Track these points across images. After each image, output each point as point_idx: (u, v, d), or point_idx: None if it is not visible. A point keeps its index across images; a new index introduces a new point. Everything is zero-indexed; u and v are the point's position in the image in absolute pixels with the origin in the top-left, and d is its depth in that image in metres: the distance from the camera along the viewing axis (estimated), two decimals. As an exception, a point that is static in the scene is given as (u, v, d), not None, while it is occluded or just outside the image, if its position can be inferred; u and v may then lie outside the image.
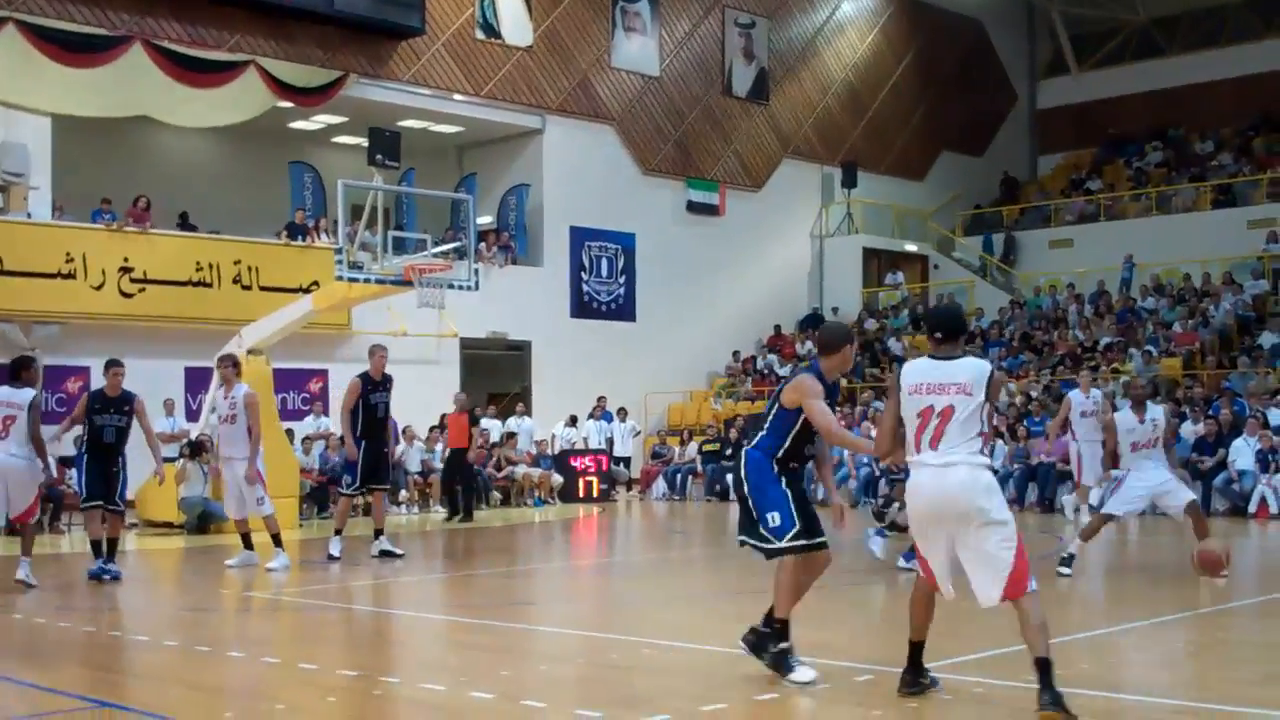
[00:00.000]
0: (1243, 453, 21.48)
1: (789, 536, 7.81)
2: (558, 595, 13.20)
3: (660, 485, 28.61)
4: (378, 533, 15.65)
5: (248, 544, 14.79)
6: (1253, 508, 21.07)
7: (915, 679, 7.32)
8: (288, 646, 9.87)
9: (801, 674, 7.71)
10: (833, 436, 7.93)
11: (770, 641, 7.94)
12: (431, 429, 24.69)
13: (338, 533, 15.53)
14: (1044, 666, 6.71)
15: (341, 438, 16.30)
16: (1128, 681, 7.72)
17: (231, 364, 15.19)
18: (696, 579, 13.35)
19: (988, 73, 41.43)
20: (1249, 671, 8.35)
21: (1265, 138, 37.43)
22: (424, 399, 24.76)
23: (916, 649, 7.30)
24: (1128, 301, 31.43)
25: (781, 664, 7.80)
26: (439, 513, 23.50)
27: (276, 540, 14.65)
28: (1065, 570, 12.58)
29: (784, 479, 7.94)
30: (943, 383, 7.08)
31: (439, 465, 24.13)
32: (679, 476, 28.35)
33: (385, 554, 15.41)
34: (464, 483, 22.68)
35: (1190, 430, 22.28)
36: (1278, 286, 30.56)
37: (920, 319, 33.97)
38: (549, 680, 8.46)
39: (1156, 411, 13.03)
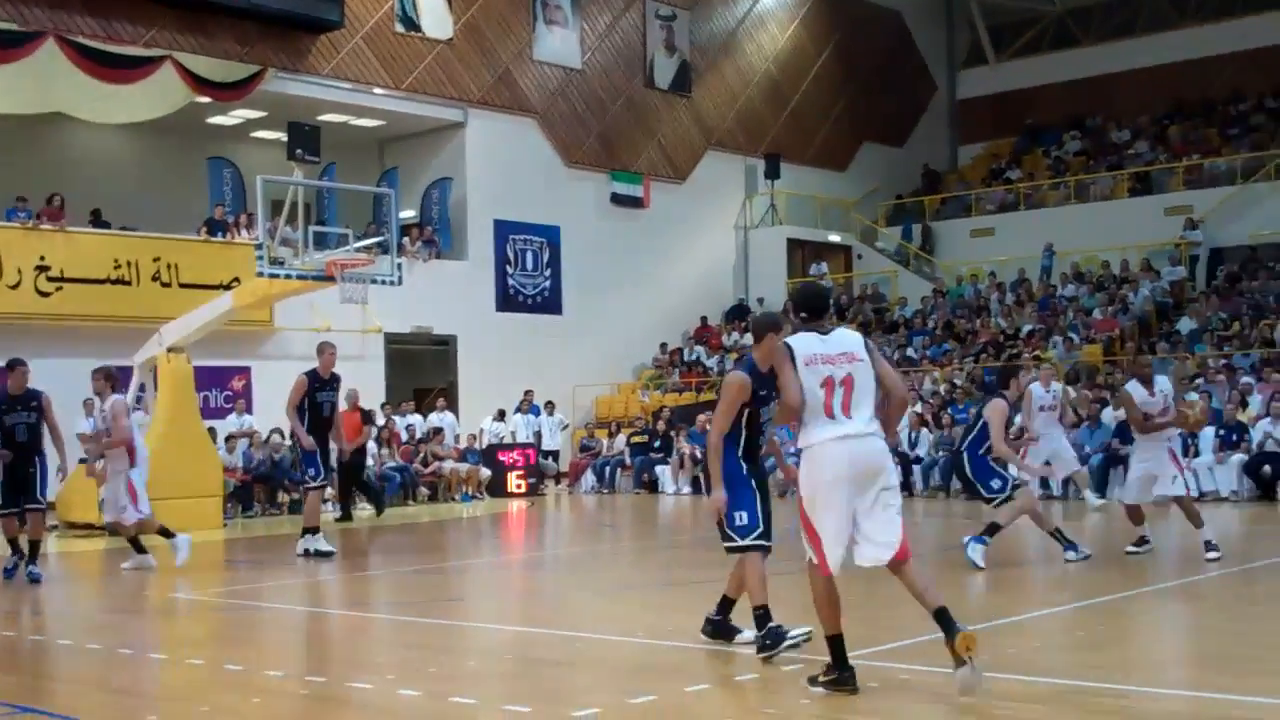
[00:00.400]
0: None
1: (753, 536, 8.30)
2: (486, 591, 13.15)
3: (589, 478, 28.58)
4: (312, 530, 15.33)
5: (138, 547, 14.57)
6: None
7: (841, 673, 7.28)
8: (212, 647, 9.76)
9: (798, 632, 8.19)
10: (711, 452, 8.25)
11: (727, 630, 8.65)
12: None
13: (314, 531, 15.24)
14: (943, 613, 7.06)
15: (269, 436, 16.13)
16: (1052, 665, 7.80)
17: (103, 376, 14.81)
18: (626, 572, 13.34)
19: (907, 64, 41.72)
20: (1170, 653, 8.47)
21: (1180, 126, 37.98)
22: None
23: (837, 641, 7.32)
24: (1048, 289, 31.79)
25: (772, 636, 8.17)
26: (365, 509, 23.25)
27: (135, 543, 14.50)
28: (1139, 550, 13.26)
29: (753, 479, 8.37)
30: (832, 354, 7.30)
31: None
32: (607, 469, 28.33)
33: (317, 553, 15.16)
34: (351, 483, 22.17)
35: (1111, 416, 22.54)
36: (1195, 273, 31.04)
37: (844, 309, 34.22)
38: (477, 676, 8.42)
39: (1164, 384, 13.55)
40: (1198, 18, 38.86)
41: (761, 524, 8.31)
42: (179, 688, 8.24)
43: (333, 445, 15.84)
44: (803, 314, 7.55)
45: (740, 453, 8.34)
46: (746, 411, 8.23)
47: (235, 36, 26.29)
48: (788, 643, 8.10)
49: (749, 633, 8.41)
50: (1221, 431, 21.33)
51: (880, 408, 7.38)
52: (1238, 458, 21.06)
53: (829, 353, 7.30)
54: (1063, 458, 18.48)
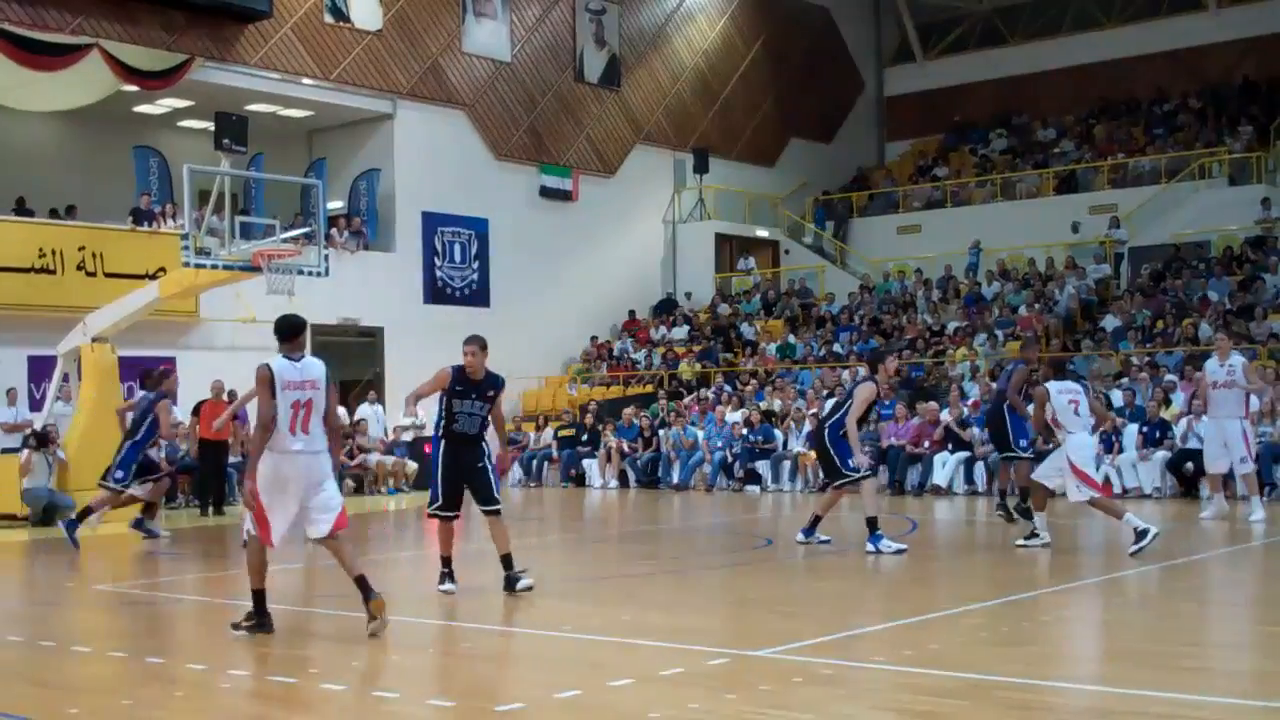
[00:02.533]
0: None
1: (435, 506, 11.12)
2: (411, 584, 13.09)
3: (516, 472, 28.53)
4: None
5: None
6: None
7: (260, 620, 9.22)
8: (135, 640, 9.68)
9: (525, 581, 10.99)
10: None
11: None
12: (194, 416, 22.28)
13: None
14: (362, 580, 9.06)
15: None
16: (973, 660, 7.89)
17: None
18: (552, 566, 13.35)
19: (835, 60, 41.91)
20: (1089, 648, 8.59)
21: (1105, 125, 38.44)
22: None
23: (261, 595, 9.26)
24: (974, 286, 32.08)
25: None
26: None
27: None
28: None
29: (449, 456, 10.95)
30: (301, 380, 9.09)
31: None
32: (534, 462, 28.30)
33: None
34: (215, 478, 21.69)
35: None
36: (1119, 270, 31.44)
37: (772, 305, 34.39)
38: (401, 670, 8.40)
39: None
40: (1123, 18, 39.32)
41: (441, 497, 11.07)
42: (101, 681, 8.16)
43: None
44: (279, 339, 9.26)
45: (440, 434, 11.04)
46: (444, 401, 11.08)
47: (163, 25, 26.01)
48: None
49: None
50: (1144, 429, 21.62)
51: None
52: (1160, 455, 21.36)
53: (298, 379, 9.07)
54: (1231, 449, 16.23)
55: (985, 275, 32.55)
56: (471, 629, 9.91)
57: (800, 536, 14.22)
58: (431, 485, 11.13)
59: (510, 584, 10.98)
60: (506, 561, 11.08)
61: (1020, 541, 13.47)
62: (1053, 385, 13.22)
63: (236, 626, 9.20)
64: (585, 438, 27.74)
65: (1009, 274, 32.05)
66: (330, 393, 9.29)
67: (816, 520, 14.16)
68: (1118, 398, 22.99)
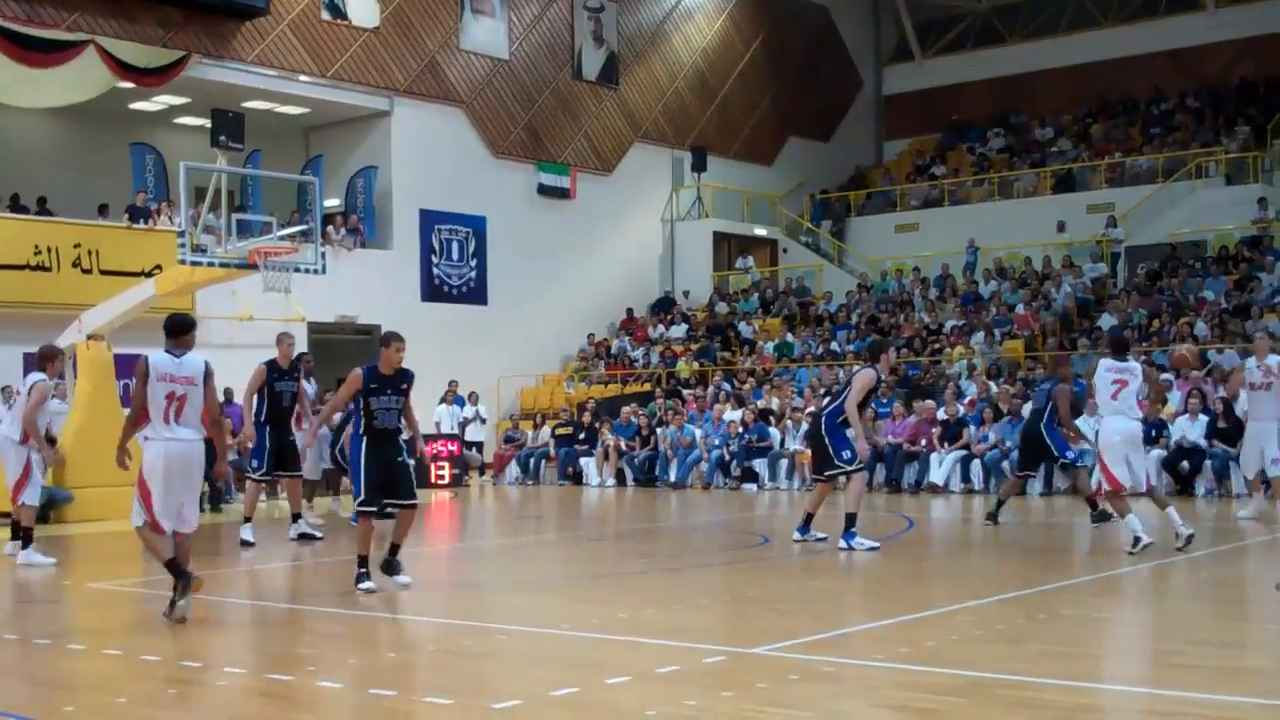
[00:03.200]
0: (1085, 432, 21.98)
1: (361, 503, 11.14)
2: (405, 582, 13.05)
3: (513, 470, 28.52)
4: (295, 517, 15.90)
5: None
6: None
7: (181, 584, 9.73)
8: (129, 638, 9.64)
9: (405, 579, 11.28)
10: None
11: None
12: None
13: (247, 519, 15.48)
14: (174, 563, 9.74)
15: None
16: (970, 658, 7.88)
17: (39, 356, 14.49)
18: (549, 564, 13.34)
19: (834, 59, 41.91)
20: (1088, 647, 8.57)
21: (1102, 124, 38.46)
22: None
23: (172, 563, 9.81)
24: (971, 285, 32.07)
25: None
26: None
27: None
28: None
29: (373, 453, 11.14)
30: (177, 375, 9.89)
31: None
32: (532, 460, 28.27)
33: (304, 536, 15.73)
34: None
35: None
36: (1116, 269, 31.44)
37: (770, 303, 34.36)
38: (399, 668, 8.38)
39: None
40: (1121, 17, 39.33)
41: (365, 493, 11.11)
42: (96, 678, 8.14)
43: (296, 435, 15.87)
44: (167, 334, 10.07)
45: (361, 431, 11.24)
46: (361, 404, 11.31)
47: (159, 21, 25.98)
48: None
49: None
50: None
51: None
52: (1156, 453, 21.32)
53: (175, 373, 9.87)
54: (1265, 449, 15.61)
55: (982, 274, 32.54)
56: (469, 627, 9.88)
57: (796, 535, 14.21)
58: (355, 484, 11.27)
59: (389, 568, 11.28)
60: (394, 550, 11.33)
61: (1129, 550, 13.04)
62: (1104, 362, 13.09)
63: (169, 610, 9.76)
64: (583, 436, 27.71)
65: (1006, 273, 32.04)
66: (209, 389, 10.04)
67: (809, 518, 14.16)
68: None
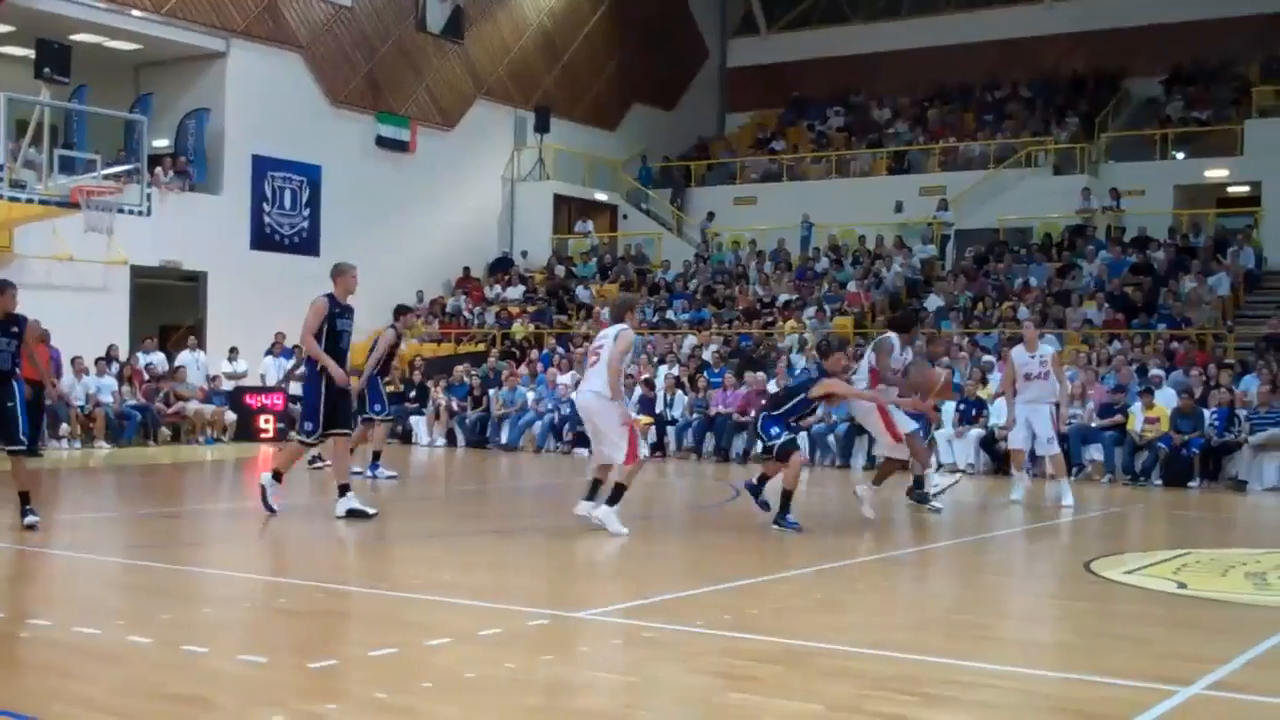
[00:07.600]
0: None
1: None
2: (225, 537, 12.78)
3: (344, 426, 28.07)
4: (343, 489, 13.18)
5: None
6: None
7: None
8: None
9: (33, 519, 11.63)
10: None
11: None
12: None
13: (278, 476, 13.28)
14: (25, 495, 11.27)
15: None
16: (789, 626, 7.95)
17: None
18: (374, 523, 13.12)
19: (681, 28, 41.98)
20: (901, 617, 8.71)
21: (939, 109, 39.16)
22: (91, 329, 23.71)
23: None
24: (806, 260, 32.44)
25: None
26: (103, 448, 22.53)
27: None
28: None
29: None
30: None
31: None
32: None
33: (353, 514, 12.98)
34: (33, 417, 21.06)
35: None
36: (945, 252, 32.08)
37: (608, 269, 34.34)
38: (213, 624, 8.17)
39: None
40: (961, 5, 40.05)
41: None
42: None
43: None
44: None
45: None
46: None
47: (-16, -55, 24.96)
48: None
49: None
50: (961, 406, 22.10)
51: None
52: (975, 432, 21.89)
53: None
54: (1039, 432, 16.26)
55: (815, 250, 32.94)
56: (288, 584, 9.69)
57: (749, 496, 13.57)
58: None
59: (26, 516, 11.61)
60: (25, 498, 11.66)
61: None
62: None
63: None
64: (413, 394, 27.40)
65: (839, 250, 32.48)
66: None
67: (764, 479, 13.47)
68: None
